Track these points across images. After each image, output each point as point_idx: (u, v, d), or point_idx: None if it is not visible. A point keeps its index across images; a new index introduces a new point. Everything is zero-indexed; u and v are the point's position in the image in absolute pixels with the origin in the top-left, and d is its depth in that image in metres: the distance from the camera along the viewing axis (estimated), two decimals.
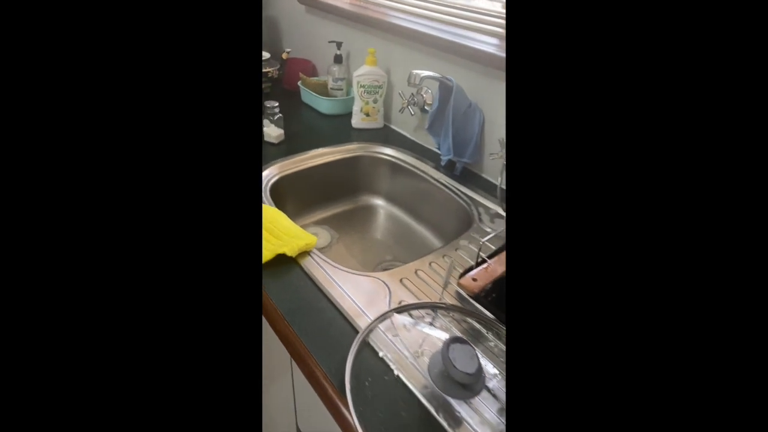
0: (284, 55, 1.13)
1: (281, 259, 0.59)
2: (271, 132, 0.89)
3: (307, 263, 0.60)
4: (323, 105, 1.08)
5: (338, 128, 1.03)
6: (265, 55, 1.11)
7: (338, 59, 1.07)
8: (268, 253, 0.57)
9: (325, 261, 0.60)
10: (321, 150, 0.90)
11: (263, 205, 0.68)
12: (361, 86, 0.97)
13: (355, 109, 1.01)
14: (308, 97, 1.12)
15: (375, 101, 1.00)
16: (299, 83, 1.13)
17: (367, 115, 1.01)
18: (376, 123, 1.03)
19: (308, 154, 0.88)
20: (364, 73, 0.96)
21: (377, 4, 1.07)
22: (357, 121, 1.02)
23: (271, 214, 0.66)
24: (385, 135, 1.01)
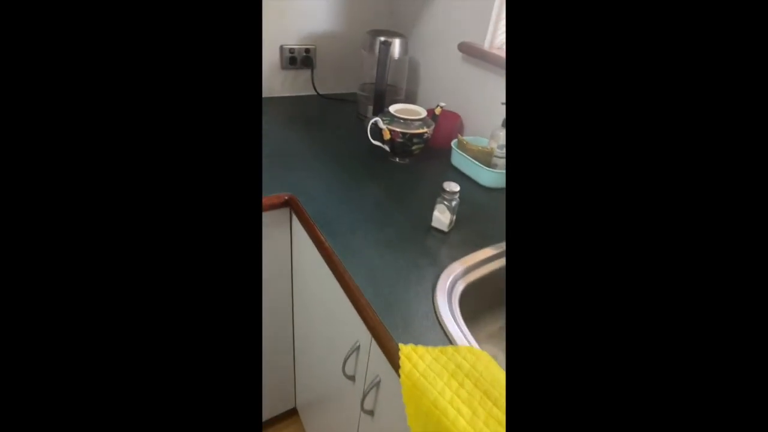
0: (437, 110, 0.98)
1: None
2: (444, 219, 0.73)
3: None
4: (484, 176, 0.91)
5: (504, 207, 0.85)
6: (421, 111, 0.96)
7: None
8: None
9: None
10: (496, 247, 0.72)
11: (472, 348, 0.51)
12: None
13: None
14: (462, 162, 0.95)
15: None
16: (453, 144, 0.97)
17: None
18: None
19: (483, 251, 0.71)
20: None
21: None
22: None
23: (490, 370, 0.48)
24: None
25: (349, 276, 0.62)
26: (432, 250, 0.69)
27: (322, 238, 0.69)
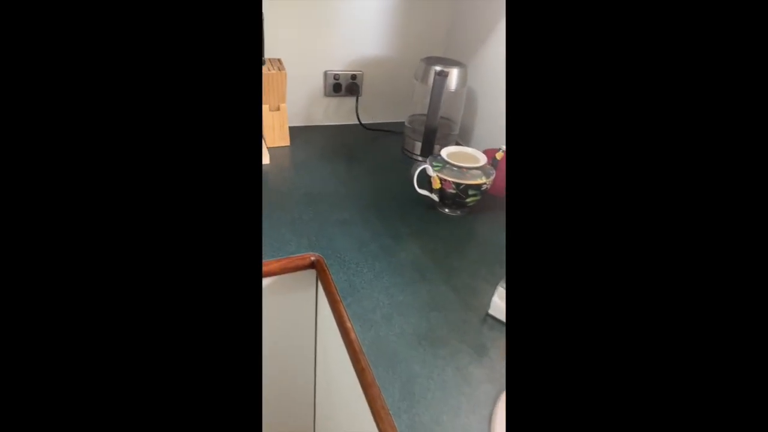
0: (499, 155, 0.83)
1: None
2: (500, 303, 0.57)
3: None
4: None
5: None
6: (480, 156, 0.81)
7: None
8: None
9: None
10: None
11: None
12: None
13: None
14: None
15: None
16: None
17: None
18: None
19: None
20: None
21: None
22: None
23: None
24: None
25: (378, 392, 0.47)
26: (490, 353, 0.54)
27: (349, 325, 0.55)
